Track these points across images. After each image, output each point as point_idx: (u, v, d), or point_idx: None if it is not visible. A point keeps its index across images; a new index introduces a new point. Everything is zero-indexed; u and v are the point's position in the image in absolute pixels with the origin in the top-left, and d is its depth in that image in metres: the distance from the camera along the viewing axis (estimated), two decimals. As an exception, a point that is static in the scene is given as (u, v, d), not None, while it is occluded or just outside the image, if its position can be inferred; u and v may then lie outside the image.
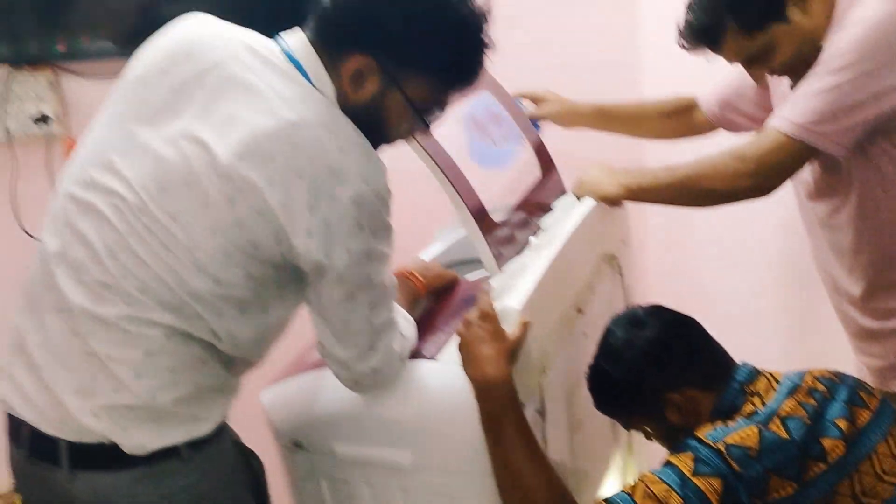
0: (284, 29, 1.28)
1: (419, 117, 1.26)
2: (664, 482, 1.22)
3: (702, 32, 1.54)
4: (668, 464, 1.26)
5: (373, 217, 1.17)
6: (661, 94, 1.99)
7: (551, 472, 1.27)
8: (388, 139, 1.29)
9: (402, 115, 1.25)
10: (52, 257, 1.19)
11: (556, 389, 1.50)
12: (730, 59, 1.57)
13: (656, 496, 1.21)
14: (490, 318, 1.31)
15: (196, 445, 1.20)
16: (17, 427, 1.23)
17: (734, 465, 1.21)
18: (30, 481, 1.25)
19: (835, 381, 1.33)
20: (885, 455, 1.25)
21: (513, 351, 1.30)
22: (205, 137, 1.15)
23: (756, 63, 1.55)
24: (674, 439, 1.34)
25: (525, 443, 1.27)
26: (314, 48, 1.22)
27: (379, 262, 1.22)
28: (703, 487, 1.20)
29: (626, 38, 2.51)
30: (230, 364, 1.25)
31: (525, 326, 1.33)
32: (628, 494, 1.23)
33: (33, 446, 1.21)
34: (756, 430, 1.24)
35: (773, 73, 1.58)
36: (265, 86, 1.17)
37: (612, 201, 1.68)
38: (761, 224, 2.16)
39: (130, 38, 2.07)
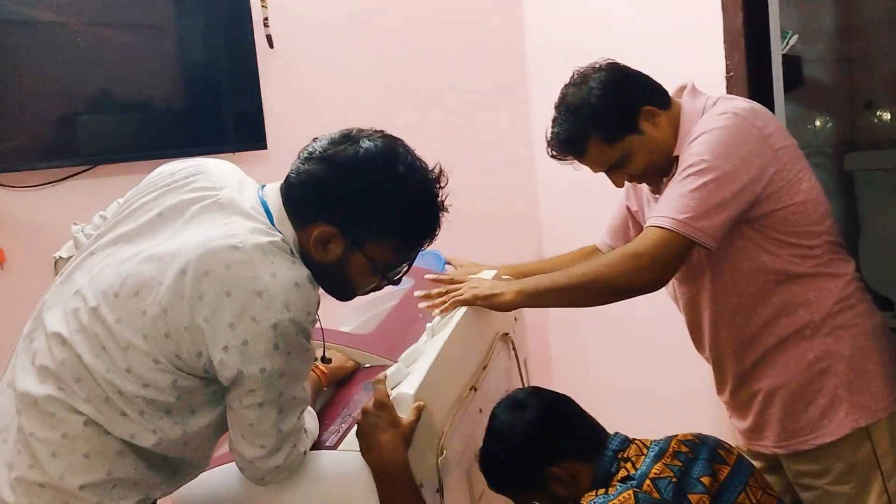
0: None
1: (384, 275, 1.38)
2: None
3: (568, 143, 1.73)
4: None
5: (288, 340, 1.26)
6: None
7: None
8: (355, 293, 1.41)
9: (366, 273, 1.37)
10: (22, 339, 1.34)
11: (454, 468, 1.60)
12: (593, 166, 1.76)
13: None
14: (385, 406, 1.41)
15: None
16: None
17: None
18: None
19: (697, 442, 1.48)
20: None
21: (407, 436, 1.40)
22: (161, 253, 1.28)
23: (616, 169, 1.74)
24: None
25: None
26: (283, 204, 1.34)
27: (292, 378, 1.31)
28: None
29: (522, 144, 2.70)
30: (156, 462, 1.31)
31: (418, 410, 1.43)
32: None
33: None
34: (631, 493, 1.37)
35: (631, 179, 1.78)
36: (229, 218, 1.30)
37: (508, 308, 1.76)
38: (648, 301, 2.32)
39: (56, 149, 2.19)
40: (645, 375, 2.34)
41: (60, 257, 1.57)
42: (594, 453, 1.49)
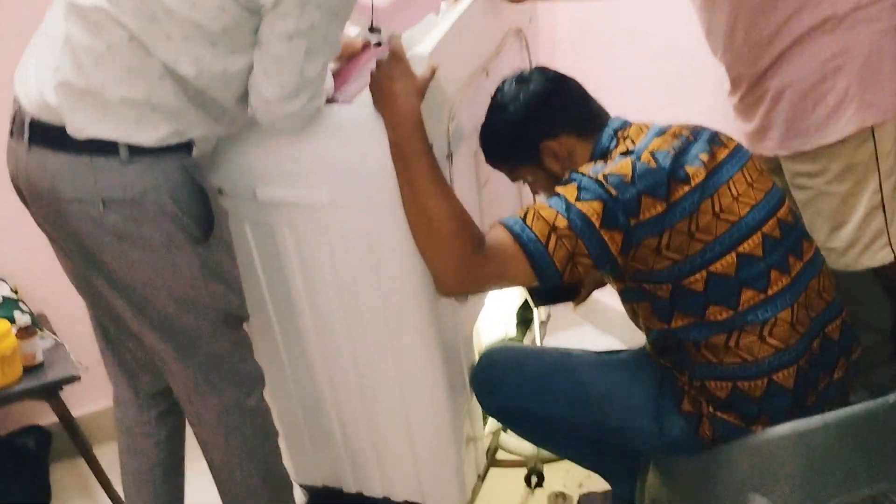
0: None
1: None
2: (552, 208, 1.37)
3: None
4: (555, 194, 1.40)
5: None
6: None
7: (454, 201, 1.39)
8: None
9: None
10: None
11: (463, 144, 1.62)
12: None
13: (544, 218, 1.35)
14: (400, 58, 1.40)
15: (137, 151, 1.31)
16: (15, 112, 1.38)
17: (612, 190, 1.35)
18: (9, 155, 1.41)
19: (698, 128, 1.48)
20: (740, 182, 1.42)
21: (421, 88, 1.40)
22: None
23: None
24: (554, 190, 1.47)
25: (429, 170, 1.38)
26: None
27: (328, 14, 1.30)
28: (585, 210, 1.35)
29: None
30: (196, 97, 1.33)
31: (433, 69, 1.43)
32: (521, 218, 1.37)
33: (14, 123, 1.37)
34: (629, 161, 1.39)
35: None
36: None
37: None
38: (663, 8, 2.26)
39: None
40: (653, 86, 2.35)
41: None
42: (593, 130, 1.50)
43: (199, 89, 1.32)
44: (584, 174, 1.39)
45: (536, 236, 1.33)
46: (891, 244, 1.74)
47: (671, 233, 1.35)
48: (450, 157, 1.55)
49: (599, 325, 2.71)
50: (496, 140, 1.58)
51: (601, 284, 1.80)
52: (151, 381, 1.63)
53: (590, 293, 1.85)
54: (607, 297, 1.89)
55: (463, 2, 1.66)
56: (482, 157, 1.67)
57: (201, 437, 1.59)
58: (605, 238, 1.34)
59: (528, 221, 1.35)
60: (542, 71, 1.58)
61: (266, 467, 1.60)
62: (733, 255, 1.37)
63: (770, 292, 1.38)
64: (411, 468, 1.81)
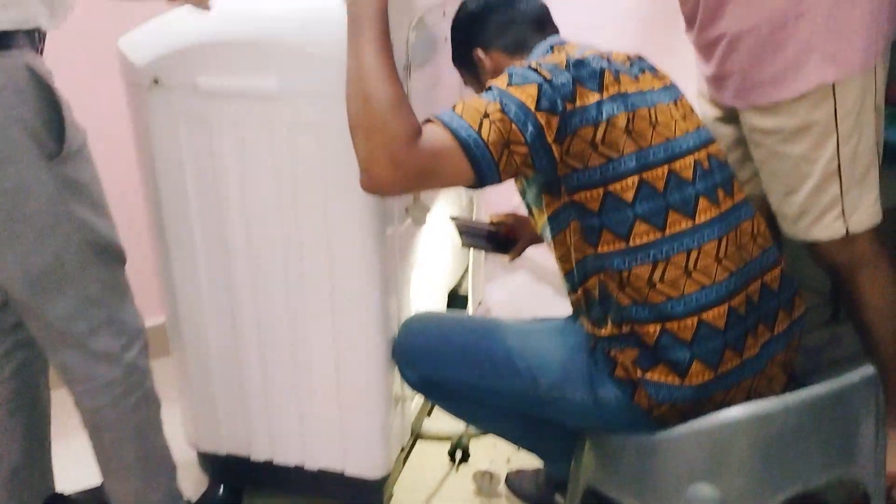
0: None
1: None
2: (482, 98, 1.28)
3: None
4: (486, 88, 1.31)
5: None
6: None
7: (398, 87, 1.24)
8: None
9: None
10: None
11: (428, 63, 1.57)
12: None
13: (475, 108, 1.26)
14: None
15: None
16: None
17: (545, 73, 1.29)
18: None
19: (638, 57, 1.45)
20: (674, 110, 1.38)
21: None
22: None
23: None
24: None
25: (379, 48, 1.24)
26: None
27: None
28: (517, 94, 1.26)
29: None
30: None
31: None
32: (451, 110, 1.27)
33: None
34: (563, 56, 1.35)
35: None
36: None
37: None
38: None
39: None
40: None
41: None
42: (529, 50, 1.46)
43: None
44: (514, 66, 1.34)
45: (468, 123, 1.24)
46: (844, 216, 1.62)
47: (607, 126, 1.29)
48: (408, 68, 1.48)
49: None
50: (451, 34, 1.59)
51: (537, 240, 1.70)
52: None
53: (525, 247, 1.78)
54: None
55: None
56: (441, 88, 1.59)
57: (71, 392, 1.40)
58: (541, 121, 1.26)
59: (459, 111, 1.26)
60: None
61: (141, 437, 1.43)
62: (665, 168, 1.32)
63: (697, 221, 1.31)
64: (334, 429, 1.67)
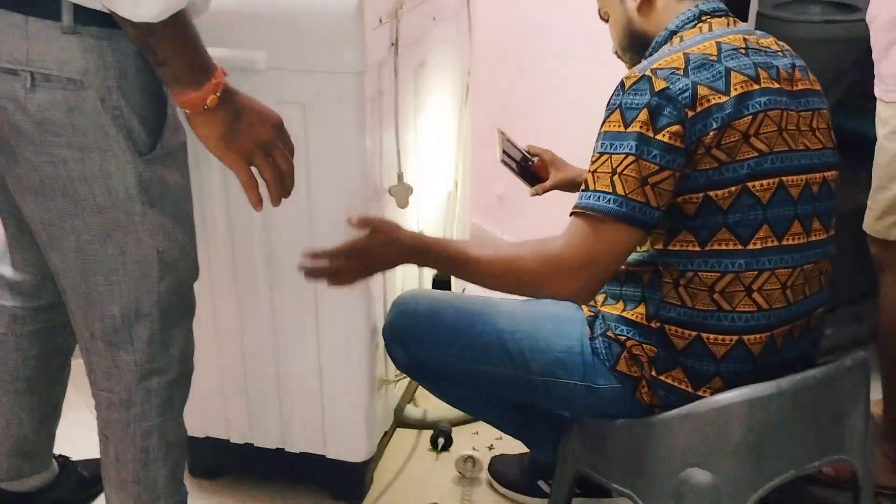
0: None
1: None
2: (603, 155, 1.21)
3: None
4: (598, 136, 1.24)
5: None
6: None
7: (494, 264, 1.27)
8: None
9: None
10: None
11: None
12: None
13: (602, 171, 1.21)
14: (375, 229, 1.32)
15: (84, 19, 1.04)
16: None
17: (658, 83, 1.19)
18: None
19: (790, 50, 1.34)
20: (809, 120, 1.27)
21: (400, 237, 1.33)
22: None
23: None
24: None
25: (445, 263, 1.31)
26: None
27: None
28: (632, 128, 1.19)
29: None
30: None
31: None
32: (583, 190, 1.22)
33: None
34: (682, 59, 1.22)
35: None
36: None
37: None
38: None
39: None
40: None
41: None
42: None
43: None
44: (623, 92, 1.22)
45: (602, 191, 1.20)
46: None
47: (727, 130, 1.19)
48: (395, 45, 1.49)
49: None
50: None
51: (568, 187, 1.68)
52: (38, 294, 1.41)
53: (551, 188, 1.72)
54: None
55: None
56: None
57: (91, 388, 1.30)
58: (663, 139, 1.18)
59: (591, 186, 1.21)
60: None
61: (145, 467, 1.31)
62: (777, 180, 1.22)
63: (783, 242, 1.23)
64: (316, 412, 1.64)
